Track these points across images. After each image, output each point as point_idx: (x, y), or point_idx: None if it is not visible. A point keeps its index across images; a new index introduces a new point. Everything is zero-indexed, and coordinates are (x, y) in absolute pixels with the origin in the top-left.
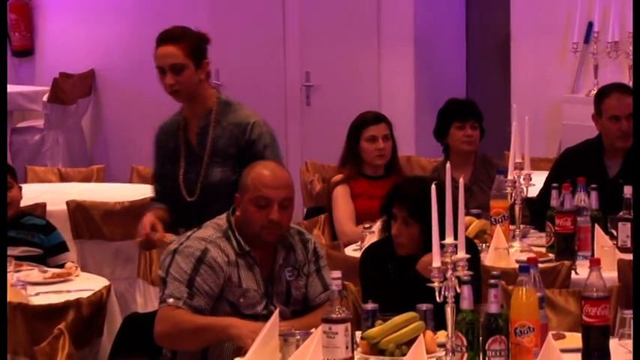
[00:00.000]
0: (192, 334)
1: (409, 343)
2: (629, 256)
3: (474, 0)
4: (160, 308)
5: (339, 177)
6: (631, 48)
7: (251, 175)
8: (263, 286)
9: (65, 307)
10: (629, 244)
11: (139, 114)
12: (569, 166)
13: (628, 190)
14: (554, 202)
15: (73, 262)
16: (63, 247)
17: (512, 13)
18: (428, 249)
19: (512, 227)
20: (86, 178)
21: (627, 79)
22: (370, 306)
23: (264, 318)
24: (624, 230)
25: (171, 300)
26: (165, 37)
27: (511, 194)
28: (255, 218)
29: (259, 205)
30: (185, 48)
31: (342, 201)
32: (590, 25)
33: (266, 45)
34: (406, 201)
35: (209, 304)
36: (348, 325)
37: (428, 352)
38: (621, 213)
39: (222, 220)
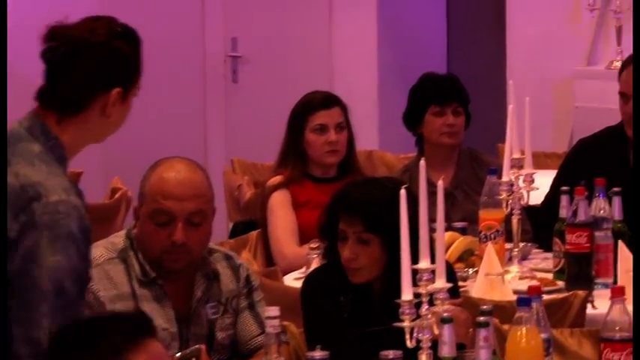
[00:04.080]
0: None
1: None
2: None
3: None
4: None
5: (276, 180)
6: None
7: (150, 179)
8: (176, 325)
9: None
10: None
11: None
12: (585, 164)
13: None
14: (564, 212)
15: None
16: None
17: None
18: (393, 273)
19: (508, 246)
20: None
21: None
22: (318, 354)
23: None
24: None
25: None
26: None
27: (507, 202)
28: (153, 239)
29: (158, 221)
30: None
31: (281, 212)
32: None
33: (177, 3)
34: (358, 211)
35: None
36: None
37: None
38: None
39: (119, 237)
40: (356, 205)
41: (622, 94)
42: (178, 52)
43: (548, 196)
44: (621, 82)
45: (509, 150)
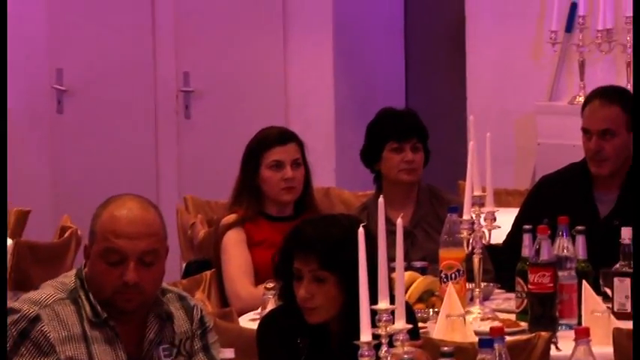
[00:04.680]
0: None
1: None
2: (630, 325)
3: None
4: None
5: (231, 218)
6: (629, 37)
7: (101, 217)
8: None
9: None
10: (628, 308)
11: None
12: (548, 201)
13: (626, 234)
14: (526, 251)
15: None
16: None
17: None
18: (351, 313)
19: (469, 286)
20: None
21: (624, 81)
22: None
23: None
24: (622, 289)
25: None
26: None
27: (468, 240)
28: (104, 279)
29: (110, 261)
30: None
31: (236, 252)
32: (574, 6)
33: (128, 35)
34: (313, 248)
35: None
36: None
37: None
38: (618, 265)
39: (69, 277)
40: (310, 242)
41: (585, 130)
42: (129, 86)
43: (510, 235)
44: (584, 118)
45: (470, 187)
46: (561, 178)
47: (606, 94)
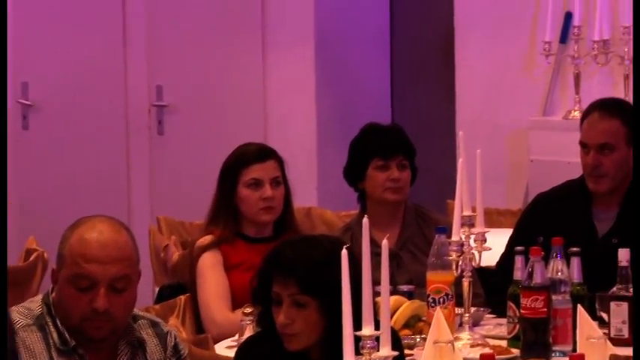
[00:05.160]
0: None
1: None
2: (627, 351)
3: None
4: None
5: (206, 240)
6: (627, 48)
7: (70, 240)
8: None
9: None
10: (625, 334)
11: None
12: (543, 220)
13: (624, 256)
14: (518, 274)
15: None
16: None
17: (456, 0)
18: (332, 340)
19: (458, 311)
20: None
21: (622, 94)
22: None
23: None
24: (619, 313)
25: None
26: None
27: (457, 263)
28: (73, 305)
29: (79, 286)
30: None
31: (212, 275)
32: (569, 16)
33: (97, 47)
34: (292, 271)
35: None
36: None
37: None
38: (615, 289)
39: (35, 302)
40: (290, 265)
41: (583, 144)
42: (98, 100)
43: (503, 256)
44: (582, 132)
45: (459, 207)
46: (557, 195)
47: (605, 107)
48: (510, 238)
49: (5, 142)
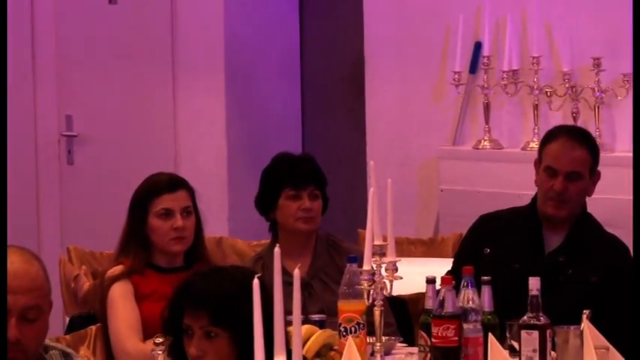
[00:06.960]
0: None
1: None
2: None
3: (310, 12)
4: None
5: (116, 270)
6: (536, 78)
7: None
8: None
9: None
10: None
11: None
12: (489, 235)
13: (534, 285)
14: (430, 303)
15: None
16: None
17: (365, 30)
18: None
19: (370, 340)
20: None
21: (531, 124)
22: None
23: None
24: (530, 342)
25: None
26: None
27: (368, 292)
28: None
29: None
30: None
31: (122, 305)
32: (478, 46)
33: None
34: (203, 303)
35: None
36: None
37: None
38: (525, 317)
39: None
40: (201, 297)
41: (549, 169)
42: (7, 129)
43: (448, 274)
44: (549, 157)
45: (371, 236)
46: (505, 214)
47: (574, 135)
48: (456, 254)
49: (5, 141)
